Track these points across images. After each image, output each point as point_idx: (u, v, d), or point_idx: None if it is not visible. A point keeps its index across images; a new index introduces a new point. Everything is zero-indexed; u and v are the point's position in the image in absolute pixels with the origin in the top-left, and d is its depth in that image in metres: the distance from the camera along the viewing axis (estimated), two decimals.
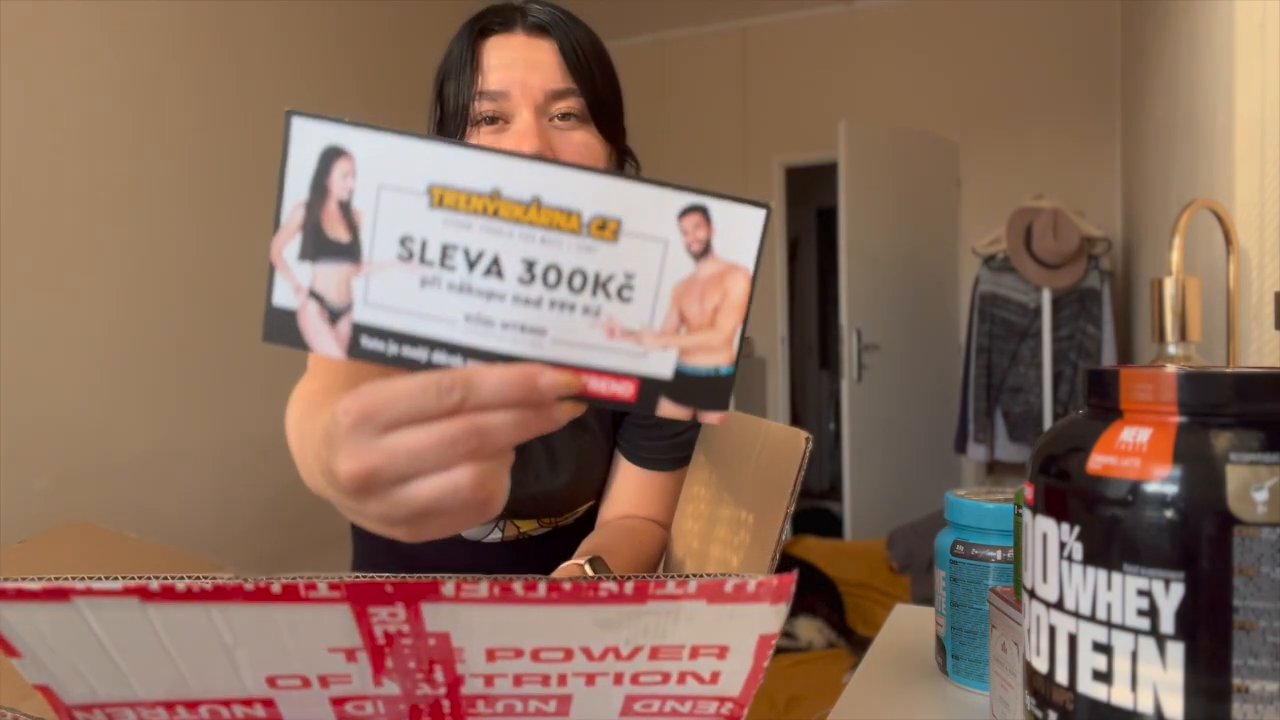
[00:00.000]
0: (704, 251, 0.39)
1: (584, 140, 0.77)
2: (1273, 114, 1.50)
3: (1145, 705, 0.40)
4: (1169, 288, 0.79)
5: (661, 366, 0.40)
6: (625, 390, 0.40)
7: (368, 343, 0.39)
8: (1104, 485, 0.41)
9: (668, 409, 0.41)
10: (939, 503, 3.60)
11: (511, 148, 0.73)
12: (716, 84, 4.68)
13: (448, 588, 0.33)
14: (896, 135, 3.99)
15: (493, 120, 0.75)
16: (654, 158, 5.21)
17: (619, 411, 0.91)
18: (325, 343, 0.39)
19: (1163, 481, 0.39)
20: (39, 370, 2.17)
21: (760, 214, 0.39)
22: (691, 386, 0.40)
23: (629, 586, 0.34)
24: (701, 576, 0.34)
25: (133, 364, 2.40)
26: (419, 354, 0.39)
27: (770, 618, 0.36)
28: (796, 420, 5.83)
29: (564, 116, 0.77)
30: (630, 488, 0.93)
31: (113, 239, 2.36)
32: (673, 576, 0.34)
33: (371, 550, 1.03)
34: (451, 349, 0.39)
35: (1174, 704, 0.39)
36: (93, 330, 2.31)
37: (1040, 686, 0.45)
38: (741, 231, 0.39)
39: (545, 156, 0.42)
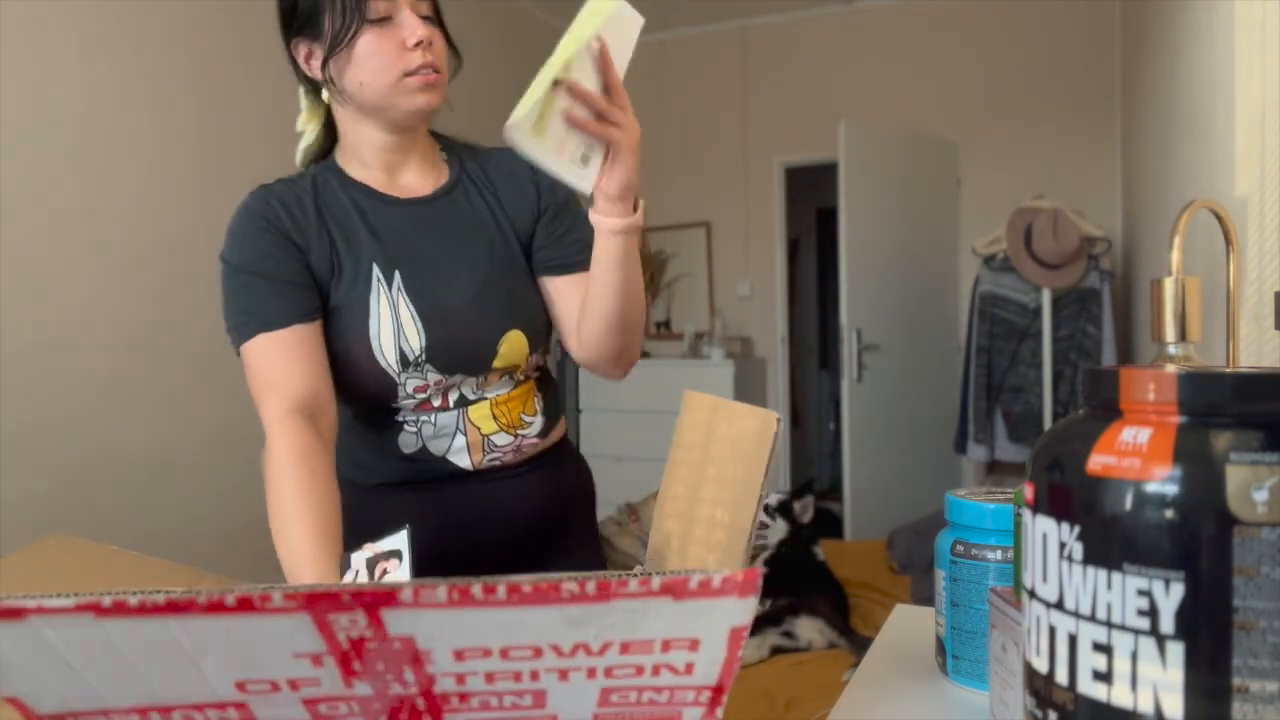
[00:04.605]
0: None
1: (441, 37, 0.98)
2: (1273, 114, 1.50)
3: (1145, 705, 0.40)
4: (1169, 288, 0.79)
5: None
6: None
7: None
8: (1104, 485, 0.41)
9: None
10: (939, 503, 3.60)
11: (407, 39, 0.94)
12: (716, 84, 4.68)
13: (405, 594, 0.33)
14: (896, 135, 3.99)
15: (383, 20, 0.93)
16: (654, 157, 5.18)
17: (532, 234, 1.06)
18: None
19: (1163, 481, 0.39)
20: (39, 370, 2.17)
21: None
22: None
23: (590, 586, 0.34)
24: (665, 574, 0.34)
25: (133, 365, 2.40)
26: None
27: (739, 610, 0.36)
28: (796, 420, 5.83)
29: (426, 18, 0.96)
30: (581, 292, 1.06)
31: (113, 239, 2.36)
32: (635, 575, 0.34)
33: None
34: None
35: (1174, 704, 0.39)
36: (93, 331, 2.31)
37: (1040, 686, 0.45)
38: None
39: None
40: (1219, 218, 0.84)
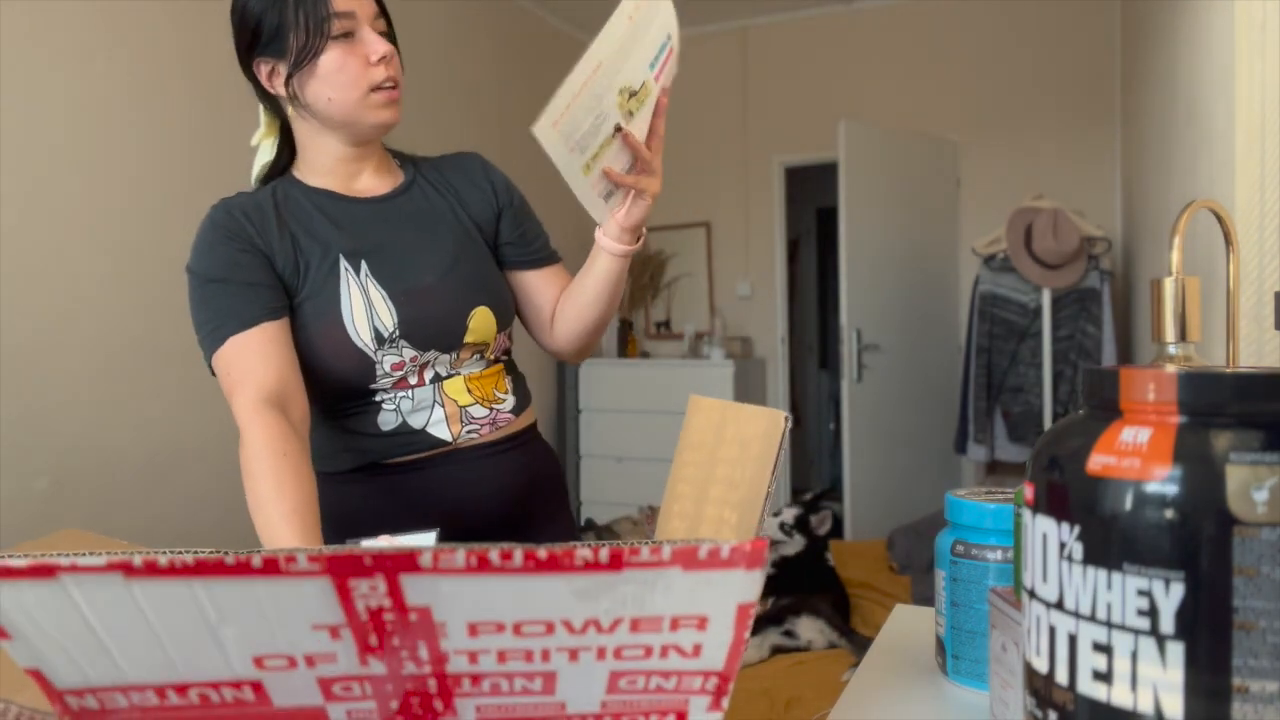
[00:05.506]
0: None
1: (396, 54, 1.03)
2: (1273, 114, 1.50)
3: (1145, 705, 0.40)
4: (1169, 288, 0.79)
5: None
6: None
7: None
8: (1104, 485, 0.41)
9: None
10: (939, 503, 3.60)
11: (370, 55, 0.99)
12: (716, 84, 4.68)
13: (425, 558, 0.34)
14: (896, 135, 3.99)
15: (345, 36, 0.98)
16: None
17: (496, 229, 1.14)
18: None
19: (1163, 481, 0.39)
20: (39, 371, 2.17)
21: None
22: None
23: (604, 554, 0.34)
24: (675, 543, 0.35)
25: (133, 364, 2.40)
26: None
27: (746, 585, 0.36)
28: (797, 420, 5.83)
29: (383, 34, 1.01)
30: (557, 282, 1.16)
31: (113, 238, 2.36)
32: (647, 542, 0.35)
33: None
34: None
35: (1174, 704, 0.39)
36: (93, 330, 2.31)
37: (1040, 686, 0.45)
38: None
39: None
40: (1219, 218, 0.85)
